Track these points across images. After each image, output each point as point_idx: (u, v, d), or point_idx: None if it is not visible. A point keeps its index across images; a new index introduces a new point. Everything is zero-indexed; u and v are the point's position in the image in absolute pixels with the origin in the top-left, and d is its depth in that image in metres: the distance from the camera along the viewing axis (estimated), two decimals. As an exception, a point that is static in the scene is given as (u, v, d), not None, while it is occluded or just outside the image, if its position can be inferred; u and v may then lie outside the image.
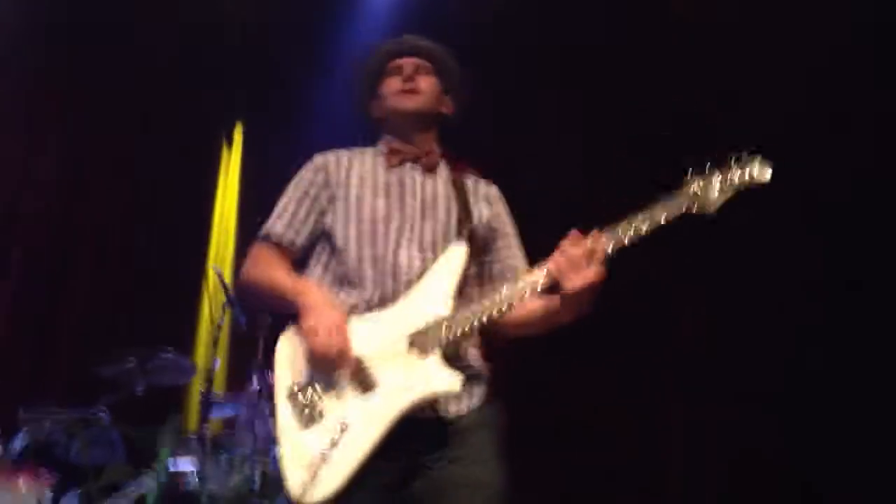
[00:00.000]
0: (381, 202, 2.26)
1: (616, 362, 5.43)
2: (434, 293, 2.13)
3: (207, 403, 4.25)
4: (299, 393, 2.07)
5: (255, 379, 4.46)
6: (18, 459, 3.99)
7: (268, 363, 4.53)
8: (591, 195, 5.26)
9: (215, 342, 4.54)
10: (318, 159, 2.39)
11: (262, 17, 6.02)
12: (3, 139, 5.67)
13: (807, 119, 5.19)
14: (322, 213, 2.31)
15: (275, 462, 3.97)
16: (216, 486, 3.96)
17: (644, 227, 2.00)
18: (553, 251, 2.06)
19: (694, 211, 2.02)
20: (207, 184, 6.45)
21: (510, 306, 2.07)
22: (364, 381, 2.05)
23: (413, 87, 2.37)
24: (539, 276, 2.06)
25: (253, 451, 4.11)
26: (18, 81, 5.76)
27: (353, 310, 2.14)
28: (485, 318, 2.06)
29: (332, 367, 2.05)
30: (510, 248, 2.37)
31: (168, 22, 5.89)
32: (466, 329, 2.07)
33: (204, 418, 4.20)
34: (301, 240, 2.31)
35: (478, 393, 2.17)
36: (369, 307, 2.15)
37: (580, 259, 1.99)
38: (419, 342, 2.06)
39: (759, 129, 4.84)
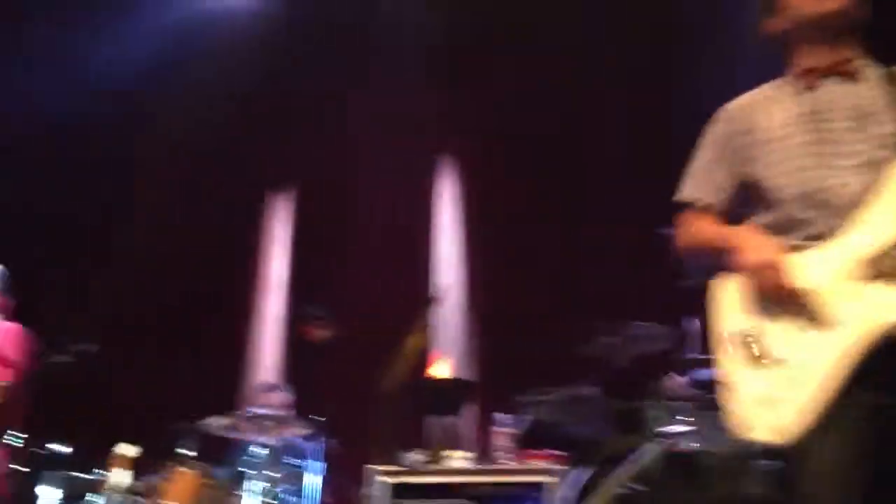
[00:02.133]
0: (801, 136, 2.09)
1: None
2: (882, 217, 1.90)
3: (690, 366, 4.23)
4: (743, 335, 1.98)
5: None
6: (527, 441, 4.30)
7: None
8: None
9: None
10: (723, 112, 2.31)
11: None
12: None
13: None
14: (741, 165, 2.20)
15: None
16: (713, 445, 3.92)
17: None
18: None
19: None
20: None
21: None
22: (815, 315, 1.89)
23: None
24: None
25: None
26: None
27: (792, 248, 2.00)
28: None
29: (777, 302, 1.93)
30: None
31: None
32: None
33: (691, 382, 4.19)
34: (722, 196, 2.25)
35: None
36: (808, 242, 2.00)
37: None
38: (874, 270, 1.86)
39: None
